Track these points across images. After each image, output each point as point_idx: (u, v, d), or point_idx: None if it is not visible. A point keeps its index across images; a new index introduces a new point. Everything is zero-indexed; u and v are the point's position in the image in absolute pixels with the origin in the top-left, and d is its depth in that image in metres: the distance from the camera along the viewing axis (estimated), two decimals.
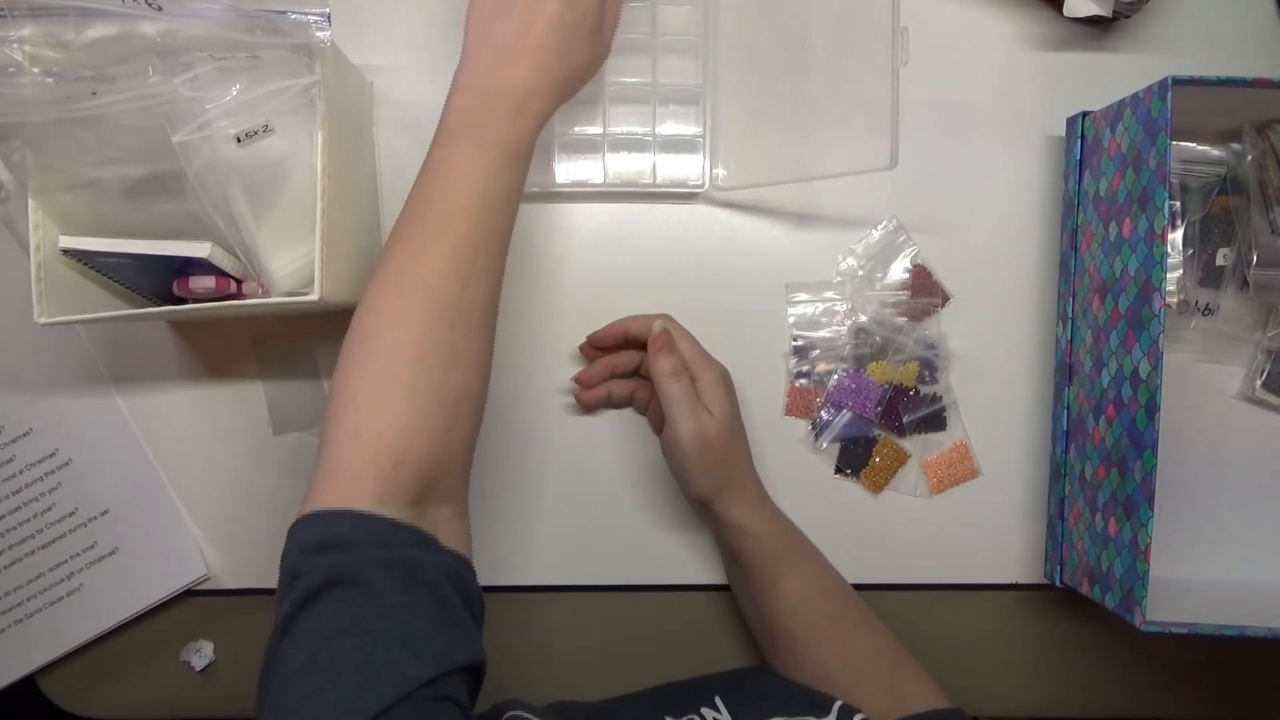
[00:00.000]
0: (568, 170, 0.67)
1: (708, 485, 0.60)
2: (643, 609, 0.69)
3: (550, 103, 0.52)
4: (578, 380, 0.66)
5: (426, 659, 0.41)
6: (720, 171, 0.66)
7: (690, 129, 0.67)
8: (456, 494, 0.49)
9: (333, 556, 0.42)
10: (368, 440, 0.45)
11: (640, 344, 0.64)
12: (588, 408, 0.67)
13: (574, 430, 0.67)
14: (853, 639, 0.61)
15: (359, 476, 0.44)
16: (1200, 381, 0.67)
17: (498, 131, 0.50)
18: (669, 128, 0.67)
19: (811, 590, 0.61)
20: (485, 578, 0.68)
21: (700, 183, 0.66)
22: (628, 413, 0.68)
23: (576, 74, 0.54)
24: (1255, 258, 0.64)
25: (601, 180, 0.66)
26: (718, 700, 0.58)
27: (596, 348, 0.65)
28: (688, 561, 0.68)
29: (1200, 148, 0.65)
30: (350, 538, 0.43)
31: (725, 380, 0.61)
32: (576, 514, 0.68)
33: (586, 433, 0.68)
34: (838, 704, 0.55)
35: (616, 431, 0.68)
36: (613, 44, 0.57)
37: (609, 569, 0.68)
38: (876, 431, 0.67)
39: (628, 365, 0.66)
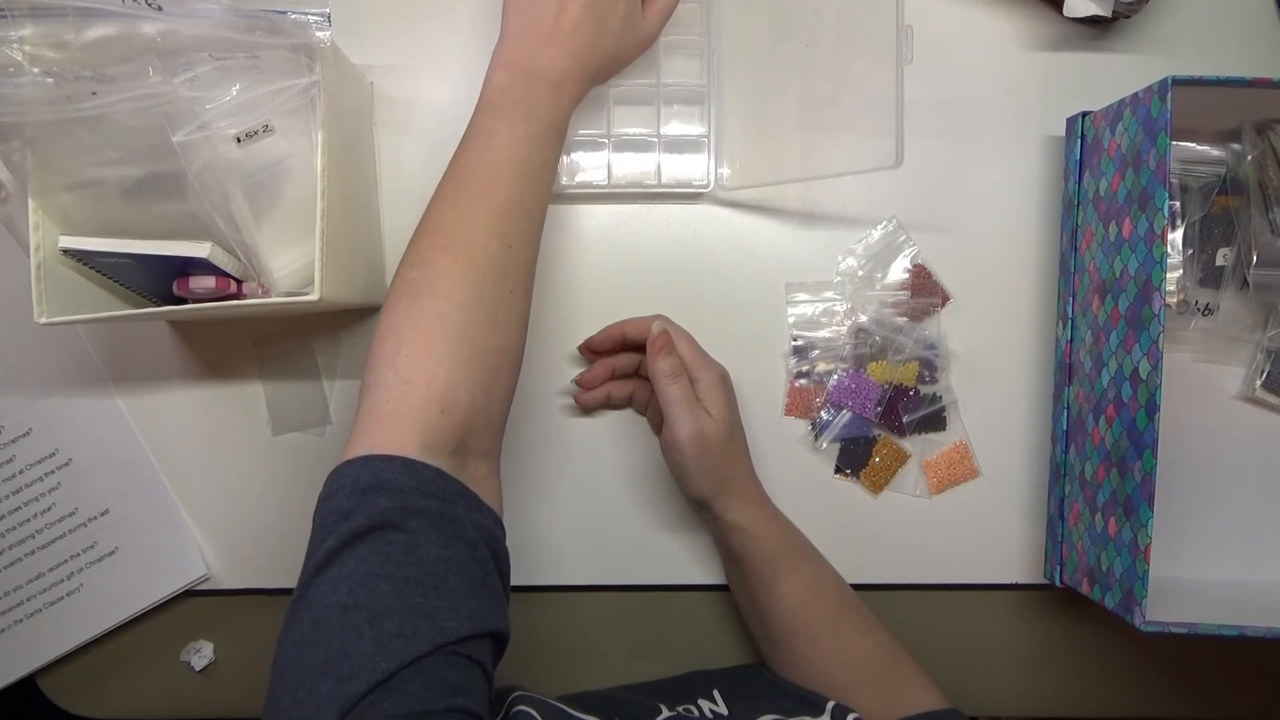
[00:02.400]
0: (573, 172, 0.67)
1: (706, 485, 0.60)
2: (642, 609, 0.69)
3: (584, 84, 0.56)
4: (578, 382, 0.66)
5: (461, 616, 0.41)
6: (725, 171, 0.66)
7: (695, 129, 0.67)
8: (493, 451, 0.51)
9: (383, 500, 0.43)
10: (417, 388, 0.46)
11: (638, 346, 0.64)
12: (588, 409, 0.67)
13: (573, 431, 0.67)
14: (850, 640, 0.61)
15: (408, 422, 0.45)
16: (1200, 382, 0.67)
17: (537, 108, 0.53)
18: (674, 128, 0.67)
19: (810, 591, 0.61)
20: None
21: (705, 183, 0.66)
22: (627, 413, 0.68)
23: (610, 59, 0.57)
24: (1255, 258, 0.64)
25: (607, 181, 0.66)
26: (715, 693, 0.58)
27: (594, 352, 0.66)
28: (687, 561, 0.68)
29: (1200, 148, 0.65)
30: (400, 483, 0.44)
31: (724, 382, 0.61)
32: (576, 515, 0.68)
33: (586, 433, 0.68)
34: (831, 704, 0.55)
35: (615, 432, 0.68)
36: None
37: (607, 569, 0.68)
38: (876, 431, 0.67)
39: (627, 366, 0.66)
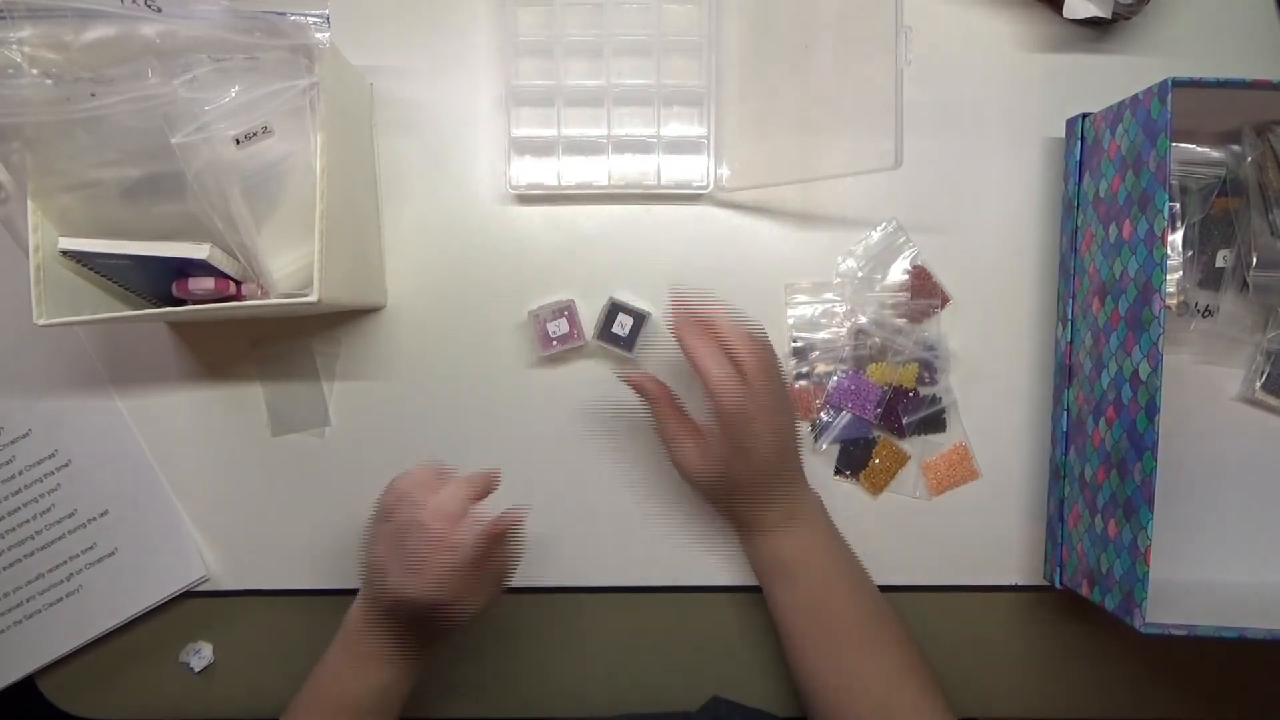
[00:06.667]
0: (572, 172, 0.66)
1: (708, 497, 0.64)
2: (642, 611, 0.69)
3: (379, 626, 0.56)
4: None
5: None
6: (725, 172, 0.66)
7: (695, 130, 0.67)
8: None
9: None
10: None
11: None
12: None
13: (576, 433, 0.67)
14: (849, 657, 0.59)
15: None
16: (1200, 383, 0.66)
17: (346, 642, 0.57)
18: (673, 129, 0.67)
19: (808, 604, 0.61)
20: None
21: (705, 184, 0.66)
22: (627, 417, 0.68)
23: (397, 601, 0.54)
24: (1255, 259, 0.64)
25: (606, 182, 0.66)
26: None
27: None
28: (683, 565, 0.68)
29: (1200, 149, 0.65)
30: None
31: (725, 425, 0.57)
32: (576, 516, 0.68)
33: (590, 436, 0.67)
34: None
35: (618, 434, 0.68)
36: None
37: (606, 570, 0.68)
38: (876, 433, 0.67)
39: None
